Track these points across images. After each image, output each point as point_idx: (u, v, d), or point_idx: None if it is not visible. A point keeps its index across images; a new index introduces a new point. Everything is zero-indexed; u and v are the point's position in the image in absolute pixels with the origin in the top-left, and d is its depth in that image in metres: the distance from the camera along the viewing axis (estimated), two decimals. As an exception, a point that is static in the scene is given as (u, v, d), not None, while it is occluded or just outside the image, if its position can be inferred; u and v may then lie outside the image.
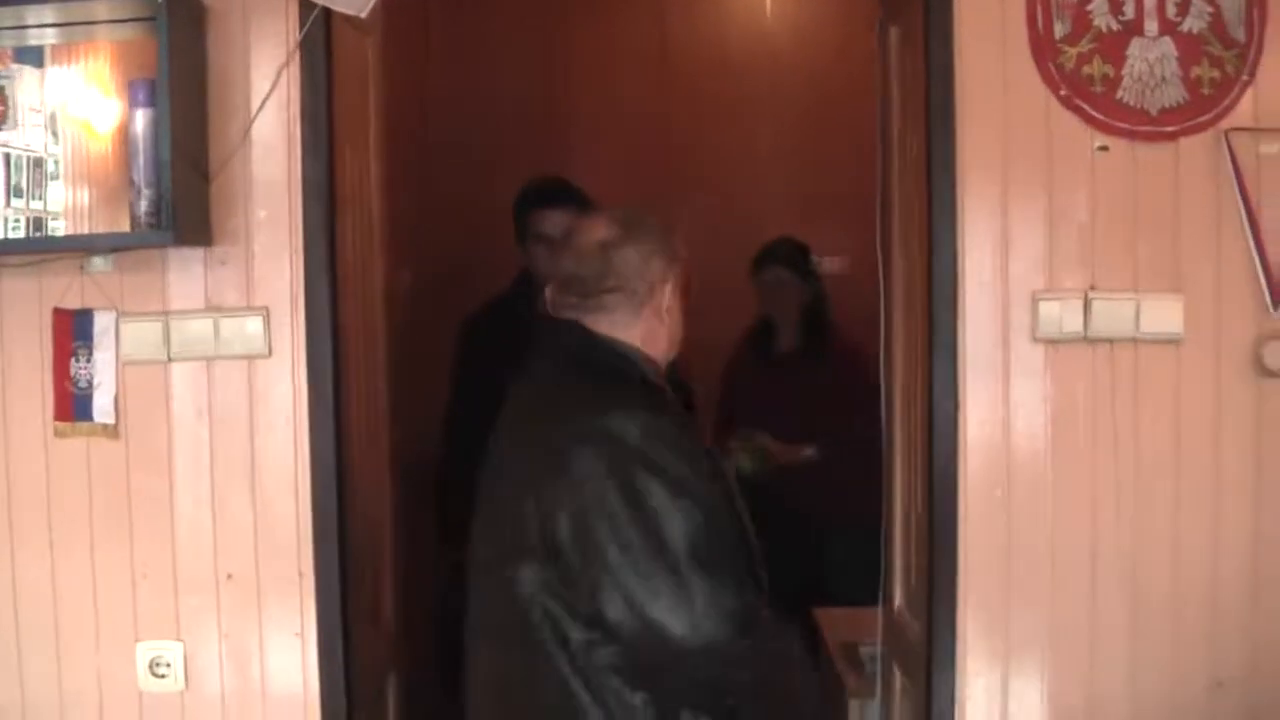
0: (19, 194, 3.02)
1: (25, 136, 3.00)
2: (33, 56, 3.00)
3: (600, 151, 5.48)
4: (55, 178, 3.06)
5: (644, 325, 2.55)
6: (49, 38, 2.96)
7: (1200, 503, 2.91)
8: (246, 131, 2.92)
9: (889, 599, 3.38)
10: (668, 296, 2.56)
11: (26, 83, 3.01)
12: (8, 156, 2.98)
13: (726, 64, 5.68)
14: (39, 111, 3.02)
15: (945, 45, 2.86)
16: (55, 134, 3.02)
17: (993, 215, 2.87)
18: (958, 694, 2.94)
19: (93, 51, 2.98)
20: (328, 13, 2.90)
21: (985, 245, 2.87)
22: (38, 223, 2.99)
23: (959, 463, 2.90)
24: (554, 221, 4.09)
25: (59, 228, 3.01)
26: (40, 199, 3.05)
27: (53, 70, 2.99)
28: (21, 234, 2.96)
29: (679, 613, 2.30)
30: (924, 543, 3.01)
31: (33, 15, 2.90)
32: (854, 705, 3.47)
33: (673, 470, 2.33)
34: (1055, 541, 2.91)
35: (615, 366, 2.51)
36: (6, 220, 2.99)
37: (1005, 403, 2.89)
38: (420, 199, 4.96)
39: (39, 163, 3.03)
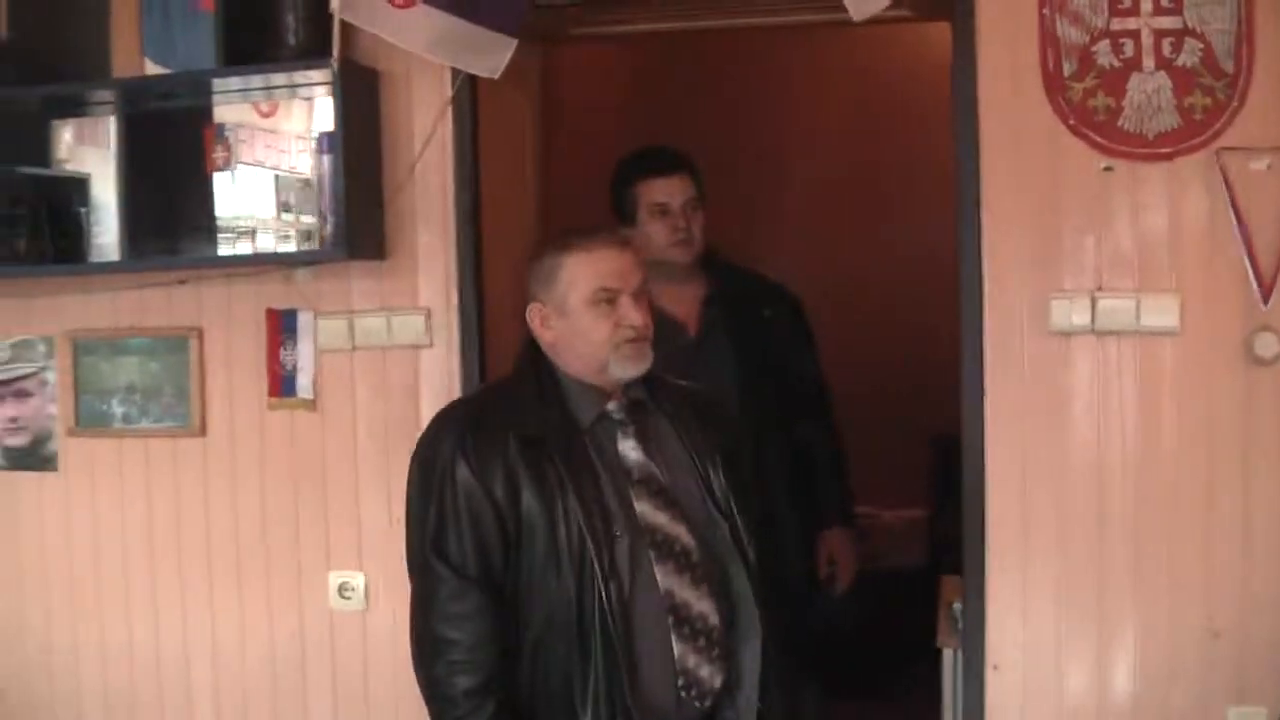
0: (289, 209, 4.09)
1: (293, 160, 4.05)
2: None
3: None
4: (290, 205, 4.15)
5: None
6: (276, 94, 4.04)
7: (1196, 470, 3.57)
8: (411, 169, 3.95)
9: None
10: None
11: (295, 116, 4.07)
12: (277, 178, 4.02)
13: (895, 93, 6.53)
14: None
15: (969, 82, 3.62)
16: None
17: (1010, 226, 3.61)
18: (987, 623, 3.70)
19: (300, 107, 4.03)
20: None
21: (1004, 251, 3.62)
22: (307, 234, 3.99)
23: (984, 440, 3.66)
24: (670, 189, 4.18)
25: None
26: (311, 213, 4.01)
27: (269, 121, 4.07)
28: (293, 245, 3.97)
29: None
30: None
31: (260, 80, 3.96)
32: (946, 654, 4.19)
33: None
34: (1066, 506, 3.62)
35: None
36: (297, 231, 4.01)
37: (1022, 385, 3.63)
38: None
39: (308, 183, 4.03)
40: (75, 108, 4.23)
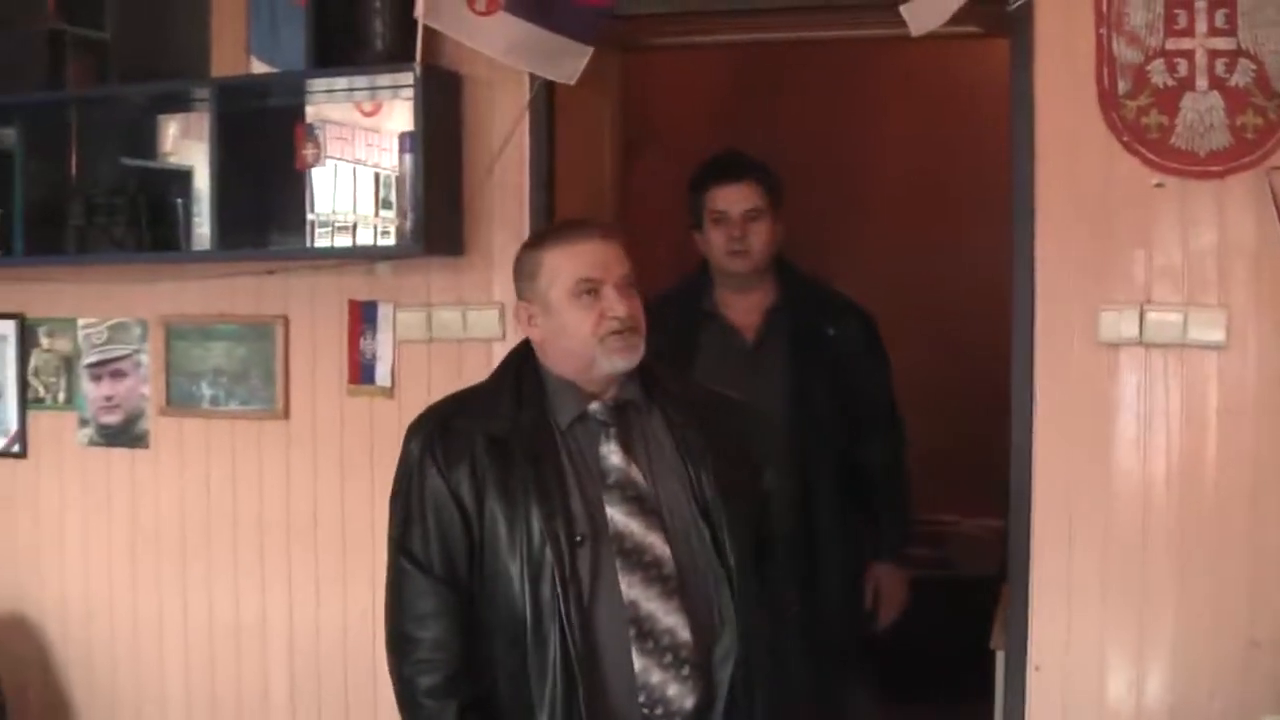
0: (388, 205, 4.33)
1: (379, 158, 4.29)
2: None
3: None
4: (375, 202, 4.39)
5: None
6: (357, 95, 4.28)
7: (1239, 480, 3.69)
8: (490, 170, 4.18)
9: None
10: None
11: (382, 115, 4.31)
12: (378, 176, 4.28)
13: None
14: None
15: (1026, 98, 3.77)
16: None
17: (1063, 238, 3.76)
18: (1030, 615, 3.87)
19: (389, 107, 4.27)
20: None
21: (1056, 262, 3.77)
22: (389, 230, 4.24)
23: (1032, 445, 3.83)
24: (730, 197, 4.22)
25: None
26: (394, 210, 4.26)
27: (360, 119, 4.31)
28: (393, 239, 4.22)
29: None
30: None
31: (347, 81, 4.21)
32: (998, 656, 4.28)
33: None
34: (1111, 511, 3.76)
35: None
36: (377, 226, 4.27)
37: (1070, 394, 3.78)
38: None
39: (393, 180, 4.26)
40: (179, 104, 4.51)
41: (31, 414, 4.82)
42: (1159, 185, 3.71)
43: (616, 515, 2.84)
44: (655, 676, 2.80)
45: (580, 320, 2.87)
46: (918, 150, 6.99)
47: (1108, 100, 3.74)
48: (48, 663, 4.84)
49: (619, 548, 2.82)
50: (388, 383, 4.32)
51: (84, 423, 4.74)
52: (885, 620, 4.47)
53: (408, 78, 4.02)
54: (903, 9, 3.66)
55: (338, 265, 4.31)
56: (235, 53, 4.45)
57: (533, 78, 4.11)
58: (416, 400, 4.20)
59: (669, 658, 2.80)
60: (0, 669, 4.68)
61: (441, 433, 2.90)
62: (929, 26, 3.67)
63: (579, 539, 2.81)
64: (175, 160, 4.55)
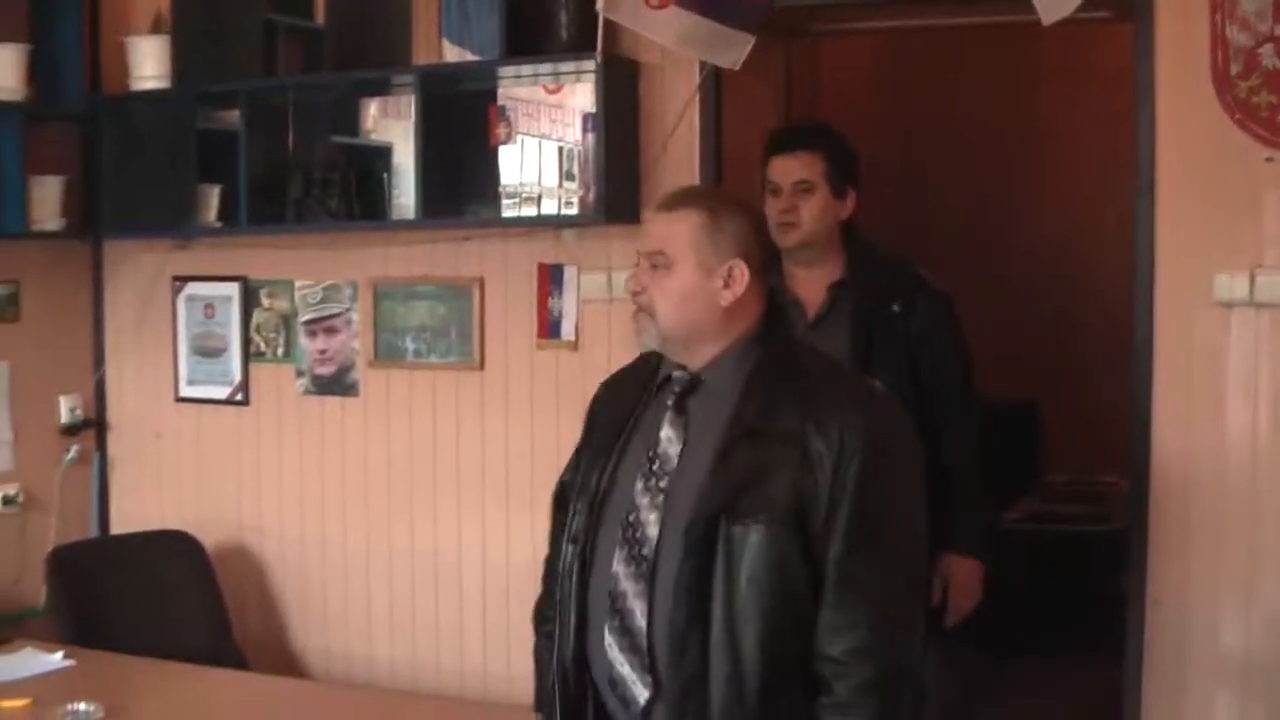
0: (571, 177, 4.87)
1: (564, 134, 4.82)
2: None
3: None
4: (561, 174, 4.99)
5: None
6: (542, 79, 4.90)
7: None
8: (664, 146, 4.78)
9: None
10: None
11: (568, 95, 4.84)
12: (561, 150, 4.83)
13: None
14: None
15: (1148, 79, 4.29)
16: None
17: (1180, 208, 4.27)
18: (1149, 555, 4.38)
19: (573, 89, 4.89)
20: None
21: (1174, 231, 4.29)
22: (574, 200, 4.78)
23: (1152, 391, 4.35)
24: (782, 169, 4.22)
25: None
26: (579, 182, 4.82)
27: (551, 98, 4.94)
28: (577, 209, 4.76)
29: None
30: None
31: (534, 69, 4.83)
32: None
33: None
34: (1223, 458, 4.26)
35: None
36: (561, 197, 4.81)
37: (1186, 351, 4.29)
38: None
39: (576, 155, 4.81)
40: (382, 87, 5.16)
41: (253, 366, 5.54)
42: (1269, 160, 4.18)
43: (638, 488, 2.82)
44: (618, 657, 2.80)
45: None
46: (1086, 128, 7.47)
47: (1221, 81, 4.22)
48: (265, 587, 5.57)
49: (625, 519, 2.81)
50: (572, 338, 4.94)
51: (300, 374, 5.44)
52: (954, 616, 4.34)
53: (590, 65, 4.63)
54: (1034, 0, 4.12)
55: (528, 232, 4.95)
56: (430, 37, 5.04)
57: (701, 64, 4.69)
58: (598, 354, 4.82)
59: (627, 641, 2.78)
60: (224, 592, 5.36)
61: (609, 380, 3.11)
62: (1058, 16, 4.11)
63: (603, 499, 2.86)
64: (376, 137, 5.19)
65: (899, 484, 2.79)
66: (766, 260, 2.91)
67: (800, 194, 4.19)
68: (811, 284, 4.25)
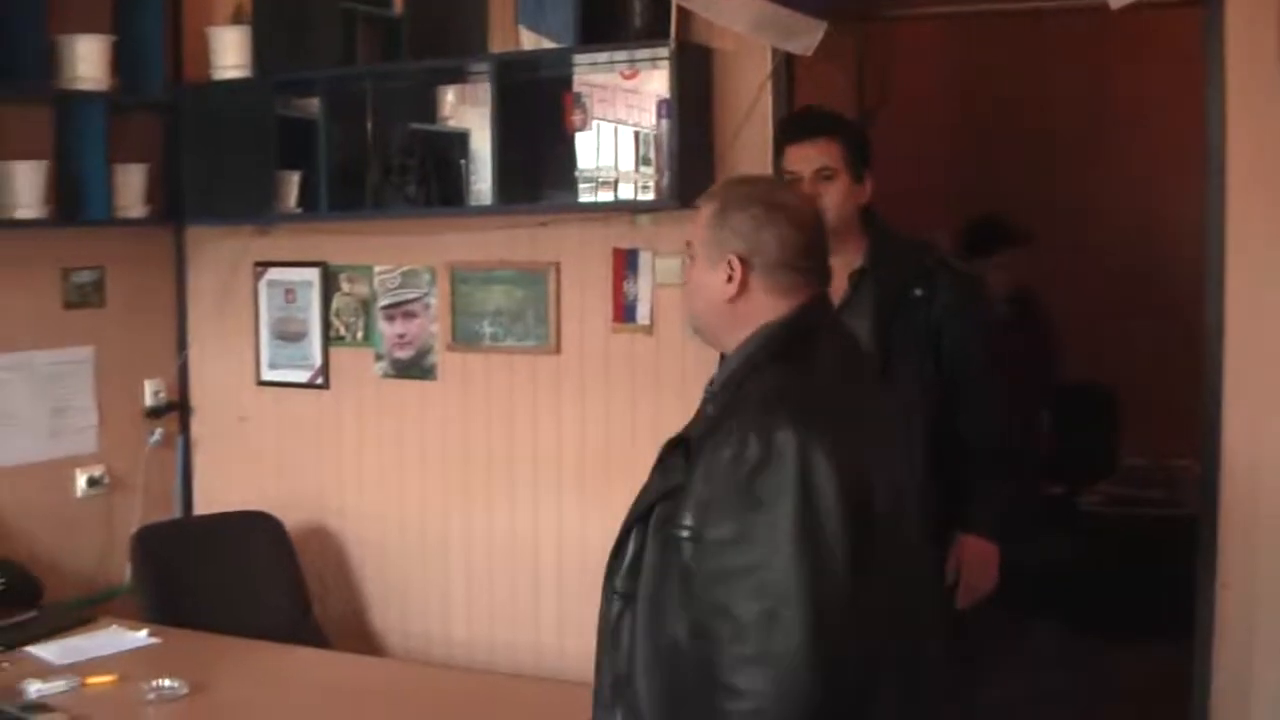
0: (647, 162, 4.94)
1: (639, 119, 4.87)
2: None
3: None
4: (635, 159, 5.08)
5: None
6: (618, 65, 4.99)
7: None
8: (737, 132, 4.87)
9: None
10: None
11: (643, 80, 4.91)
12: (637, 135, 4.87)
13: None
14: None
15: (1218, 67, 4.34)
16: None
17: (1250, 189, 4.31)
18: (1218, 540, 4.44)
19: (648, 75, 4.98)
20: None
21: (1244, 214, 4.33)
22: (649, 185, 4.85)
23: (1222, 375, 4.39)
24: (800, 156, 4.20)
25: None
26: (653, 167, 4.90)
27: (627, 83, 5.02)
28: (652, 194, 4.82)
29: None
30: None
31: (609, 56, 4.91)
32: None
33: None
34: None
35: None
36: (638, 182, 4.86)
37: (1257, 326, 4.34)
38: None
39: (651, 140, 4.87)
40: (457, 75, 5.26)
41: (333, 350, 5.68)
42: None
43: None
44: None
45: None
46: (1161, 113, 7.38)
47: (1291, 68, 4.29)
48: (346, 566, 5.72)
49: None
50: (647, 322, 5.03)
51: (379, 357, 5.57)
52: (967, 597, 4.30)
53: (664, 52, 4.71)
54: None
55: (603, 216, 5.04)
56: (506, 24, 5.15)
57: (774, 51, 4.76)
58: (673, 337, 4.93)
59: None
60: (305, 571, 5.50)
61: None
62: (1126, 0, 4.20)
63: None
64: (453, 124, 5.30)
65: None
66: (794, 258, 2.83)
67: (822, 182, 4.17)
68: (836, 272, 4.08)
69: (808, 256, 2.86)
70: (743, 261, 2.82)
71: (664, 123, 4.77)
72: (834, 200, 4.14)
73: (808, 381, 2.78)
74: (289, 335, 5.77)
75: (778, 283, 2.83)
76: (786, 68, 4.83)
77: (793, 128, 4.36)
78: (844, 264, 4.13)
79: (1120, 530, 6.90)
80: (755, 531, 2.59)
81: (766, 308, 2.84)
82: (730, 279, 2.83)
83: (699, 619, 2.64)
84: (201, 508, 5.97)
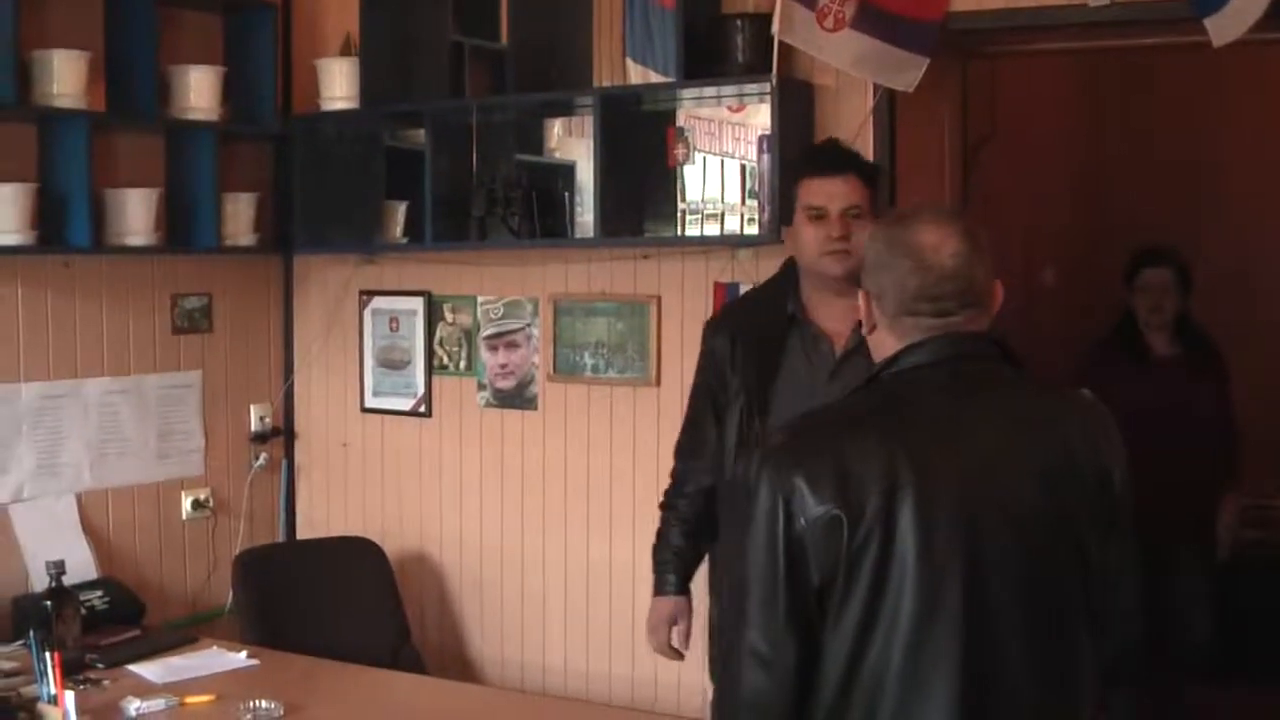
0: (753, 196, 5.11)
1: (743, 152, 5.09)
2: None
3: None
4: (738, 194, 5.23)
5: None
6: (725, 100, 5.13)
7: None
8: (839, 167, 4.97)
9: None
10: None
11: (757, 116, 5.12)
12: (744, 168, 5.08)
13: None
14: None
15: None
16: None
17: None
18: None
19: (754, 109, 5.10)
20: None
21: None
22: (752, 219, 5.03)
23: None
24: (830, 190, 4.08)
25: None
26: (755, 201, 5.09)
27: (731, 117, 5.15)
28: (756, 228, 5.00)
29: None
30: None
31: (713, 90, 5.06)
32: None
33: None
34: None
35: None
36: (743, 215, 5.06)
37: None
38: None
39: (753, 175, 5.09)
40: (563, 108, 5.43)
41: (436, 379, 5.85)
42: None
43: None
44: None
45: None
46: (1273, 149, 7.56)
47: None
48: (445, 593, 5.88)
49: None
50: (753, 352, 5.16)
51: (481, 387, 5.73)
52: None
53: (766, 87, 4.83)
54: (1206, 22, 4.23)
55: (704, 250, 5.16)
56: (613, 57, 5.28)
57: (876, 86, 4.86)
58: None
59: None
60: (405, 598, 5.67)
61: None
62: (1230, 38, 4.22)
63: None
64: (560, 156, 5.46)
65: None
66: (912, 301, 2.75)
67: (853, 219, 4.06)
68: (838, 316, 4.11)
69: (925, 299, 2.75)
70: (874, 298, 2.83)
71: (765, 158, 4.89)
72: (862, 240, 3.82)
73: (839, 418, 2.83)
74: (393, 364, 5.94)
75: (902, 326, 2.78)
76: (889, 103, 4.93)
77: (821, 160, 4.23)
78: (851, 307, 3.63)
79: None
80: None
81: (888, 347, 2.82)
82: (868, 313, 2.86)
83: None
84: (304, 532, 6.16)
